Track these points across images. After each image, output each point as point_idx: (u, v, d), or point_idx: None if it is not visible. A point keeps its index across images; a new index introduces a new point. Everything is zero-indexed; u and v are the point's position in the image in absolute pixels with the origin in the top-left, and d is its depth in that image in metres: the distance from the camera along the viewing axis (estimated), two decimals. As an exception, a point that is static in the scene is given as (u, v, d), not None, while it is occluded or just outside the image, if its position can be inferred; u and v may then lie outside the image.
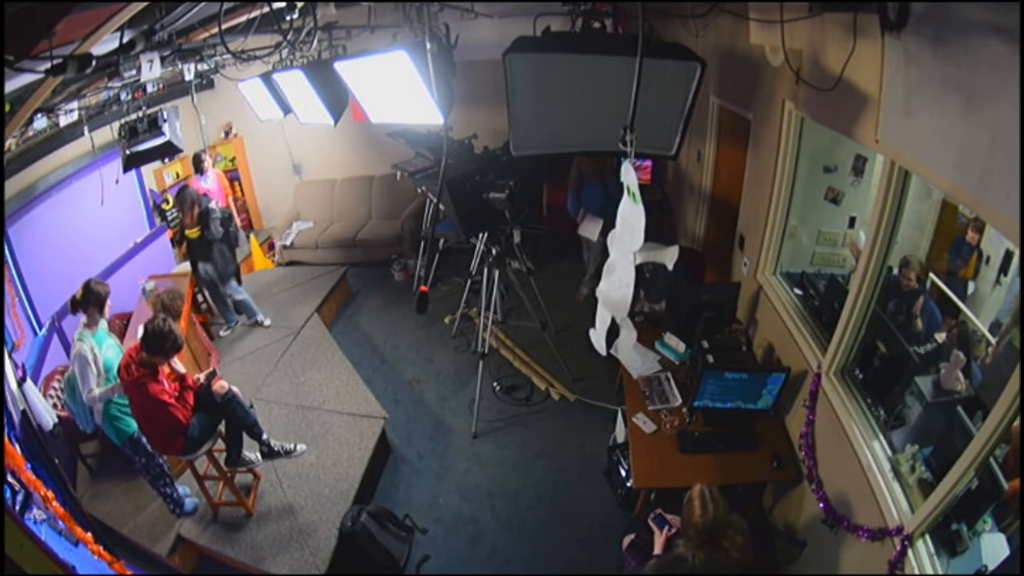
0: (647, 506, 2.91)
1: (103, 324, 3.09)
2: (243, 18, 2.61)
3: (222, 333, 5.15)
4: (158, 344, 2.72)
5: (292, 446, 3.32)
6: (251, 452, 3.32)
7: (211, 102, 6.31)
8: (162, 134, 3.59)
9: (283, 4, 2.42)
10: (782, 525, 3.00)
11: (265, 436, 3.21)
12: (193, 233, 4.71)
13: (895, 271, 2.49)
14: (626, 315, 1.59)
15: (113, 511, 3.35)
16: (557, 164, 5.16)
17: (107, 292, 3.05)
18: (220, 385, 3.04)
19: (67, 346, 4.30)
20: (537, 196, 6.08)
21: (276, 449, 3.25)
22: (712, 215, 4.62)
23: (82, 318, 3.02)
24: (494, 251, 4.03)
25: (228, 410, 3.06)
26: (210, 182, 5.55)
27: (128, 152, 3.64)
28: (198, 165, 5.50)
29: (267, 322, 5.20)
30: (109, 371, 2.98)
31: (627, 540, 2.61)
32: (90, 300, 2.98)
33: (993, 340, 2.11)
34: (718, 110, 4.23)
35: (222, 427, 3.16)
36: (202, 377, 3.10)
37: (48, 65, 1.50)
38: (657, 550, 2.37)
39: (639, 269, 3.10)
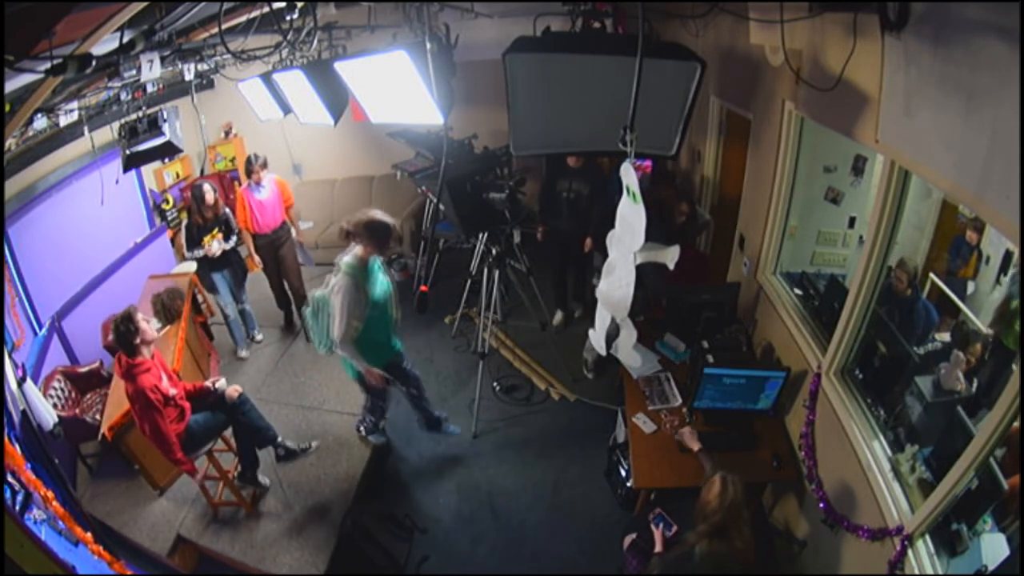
0: (647, 506, 2.91)
1: (378, 260, 3.00)
2: (243, 18, 2.60)
3: (243, 354, 4.84)
4: (124, 338, 2.72)
5: (308, 444, 3.34)
6: (264, 476, 3.35)
7: (211, 102, 6.30)
8: (162, 134, 3.58)
9: (283, 4, 2.42)
10: (782, 525, 3.00)
11: (280, 439, 3.21)
12: (208, 239, 4.30)
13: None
14: (626, 315, 1.59)
15: (113, 511, 3.36)
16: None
17: (394, 235, 2.91)
18: (234, 388, 3.08)
19: (67, 346, 4.31)
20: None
21: (293, 448, 3.25)
22: (712, 215, 4.63)
23: (355, 250, 2.89)
24: (494, 251, 4.03)
25: (239, 413, 3.06)
26: (266, 193, 4.48)
27: (128, 152, 3.63)
28: (249, 170, 4.41)
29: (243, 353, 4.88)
30: (376, 306, 2.94)
31: (628, 540, 2.61)
32: (369, 236, 2.84)
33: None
34: (718, 110, 4.24)
35: (232, 439, 3.15)
36: (212, 384, 3.13)
37: (48, 65, 1.50)
38: (658, 549, 2.37)
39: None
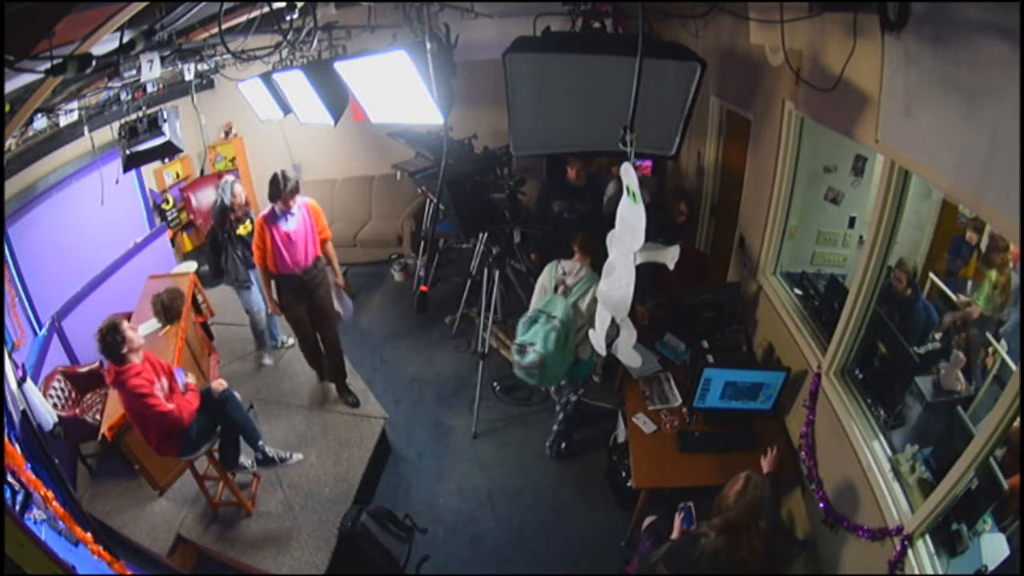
0: (647, 505, 2.91)
1: None
2: (243, 18, 2.60)
3: (267, 361, 4.65)
4: (111, 349, 2.69)
5: (287, 455, 3.27)
6: (247, 459, 3.32)
7: (211, 102, 6.31)
8: (162, 134, 3.59)
9: (283, 4, 2.41)
10: (784, 523, 3.00)
11: (261, 443, 3.18)
12: (246, 228, 4.11)
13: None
14: (626, 315, 1.59)
15: (113, 511, 3.36)
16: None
17: None
18: (219, 382, 3.05)
19: (67, 346, 4.30)
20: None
21: (271, 456, 3.21)
22: (712, 215, 4.63)
23: (581, 263, 3.09)
24: (494, 251, 4.02)
25: (223, 409, 3.05)
26: (295, 222, 3.52)
27: (128, 152, 3.64)
28: (276, 193, 3.41)
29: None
30: None
31: (647, 521, 2.61)
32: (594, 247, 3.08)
33: (993, 339, 2.12)
34: (718, 110, 4.23)
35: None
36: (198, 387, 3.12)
37: (48, 65, 1.50)
38: (674, 535, 2.38)
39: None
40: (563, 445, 3.73)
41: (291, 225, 3.51)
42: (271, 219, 3.48)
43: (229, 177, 4.19)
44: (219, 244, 4.23)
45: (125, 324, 2.75)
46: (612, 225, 1.53)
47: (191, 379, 3.05)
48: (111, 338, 2.68)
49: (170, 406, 2.78)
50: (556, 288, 3.08)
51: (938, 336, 2.46)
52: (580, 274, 3.08)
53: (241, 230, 4.17)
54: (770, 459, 2.54)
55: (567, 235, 3.84)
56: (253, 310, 4.44)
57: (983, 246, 2.32)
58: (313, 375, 4.42)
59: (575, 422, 3.65)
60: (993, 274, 2.22)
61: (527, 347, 2.96)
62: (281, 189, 3.39)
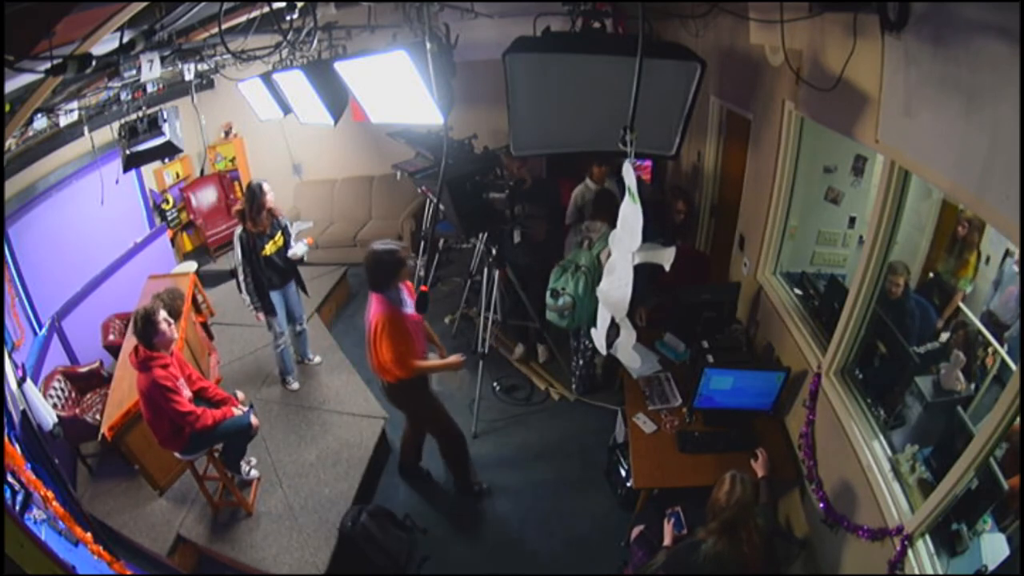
0: (649, 502, 2.91)
1: None
2: (243, 18, 2.61)
3: (294, 386, 4.34)
4: (145, 336, 2.75)
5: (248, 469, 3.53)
6: (246, 464, 3.44)
7: (211, 102, 6.31)
8: (162, 134, 3.59)
9: (283, 4, 2.42)
10: (782, 525, 3.00)
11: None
12: (276, 244, 3.85)
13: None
14: (625, 315, 1.60)
15: (113, 511, 3.36)
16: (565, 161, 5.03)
17: None
18: (257, 422, 3.18)
19: (67, 346, 4.31)
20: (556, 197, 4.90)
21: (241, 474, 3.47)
22: (712, 215, 4.63)
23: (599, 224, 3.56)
24: (494, 251, 4.02)
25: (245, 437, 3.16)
26: (406, 302, 2.97)
27: (128, 152, 3.64)
28: (389, 275, 2.83)
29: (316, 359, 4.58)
30: None
31: (636, 531, 2.61)
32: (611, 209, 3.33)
33: (992, 338, 2.11)
34: (718, 110, 4.24)
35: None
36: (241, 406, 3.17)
37: (48, 65, 1.50)
38: (666, 543, 2.38)
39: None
40: (586, 384, 4.16)
41: (408, 306, 2.92)
42: (395, 306, 2.83)
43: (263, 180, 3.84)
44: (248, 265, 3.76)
45: (161, 316, 2.81)
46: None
47: (241, 407, 3.14)
48: (143, 325, 2.75)
49: (190, 407, 2.82)
50: (582, 243, 3.53)
51: (939, 329, 2.45)
52: (600, 230, 3.49)
53: (269, 247, 3.79)
54: (762, 462, 2.53)
55: (524, 244, 3.93)
56: (275, 332, 4.10)
57: (983, 248, 2.32)
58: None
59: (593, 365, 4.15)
60: (972, 258, 2.23)
61: (560, 291, 3.42)
62: (396, 271, 2.82)
